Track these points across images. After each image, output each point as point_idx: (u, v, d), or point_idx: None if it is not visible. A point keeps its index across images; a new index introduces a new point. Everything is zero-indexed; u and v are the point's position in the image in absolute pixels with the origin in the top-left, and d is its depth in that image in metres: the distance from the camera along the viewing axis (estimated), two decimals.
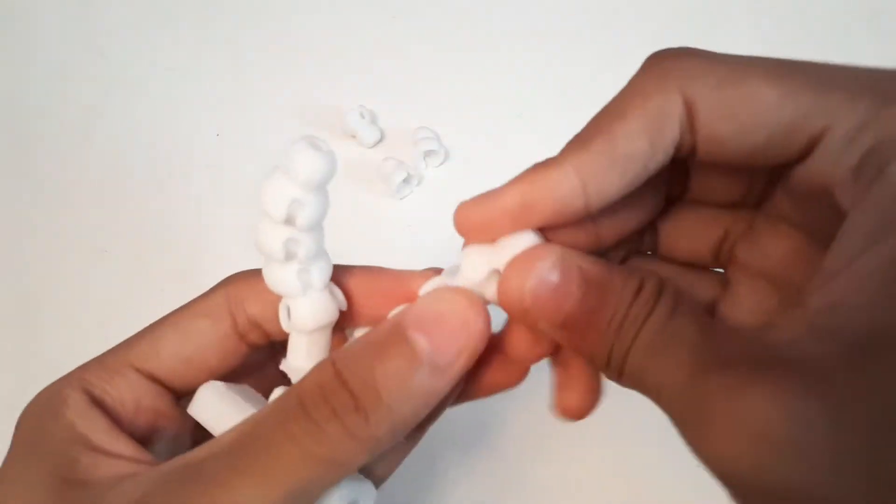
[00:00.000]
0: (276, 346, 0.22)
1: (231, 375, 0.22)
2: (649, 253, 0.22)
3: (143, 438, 0.20)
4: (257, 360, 0.23)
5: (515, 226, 0.17)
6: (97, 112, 0.44)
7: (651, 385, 0.15)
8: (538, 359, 0.20)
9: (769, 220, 0.19)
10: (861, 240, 0.14)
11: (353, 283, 0.20)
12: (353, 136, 0.41)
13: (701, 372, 0.14)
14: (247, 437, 0.16)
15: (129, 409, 0.20)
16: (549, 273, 0.16)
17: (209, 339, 0.21)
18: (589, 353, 0.16)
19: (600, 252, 0.20)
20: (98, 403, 0.20)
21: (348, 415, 0.16)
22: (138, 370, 0.20)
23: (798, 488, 0.13)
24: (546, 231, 0.18)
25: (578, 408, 0.20)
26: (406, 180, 0.39)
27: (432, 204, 0.39)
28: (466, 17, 0.46)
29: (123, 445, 0.19)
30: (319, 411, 0.16)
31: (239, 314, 0.21)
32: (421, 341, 0.16)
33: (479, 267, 0.18)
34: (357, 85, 0.44)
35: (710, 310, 0.20)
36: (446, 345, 0.17)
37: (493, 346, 0.19)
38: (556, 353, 0.20)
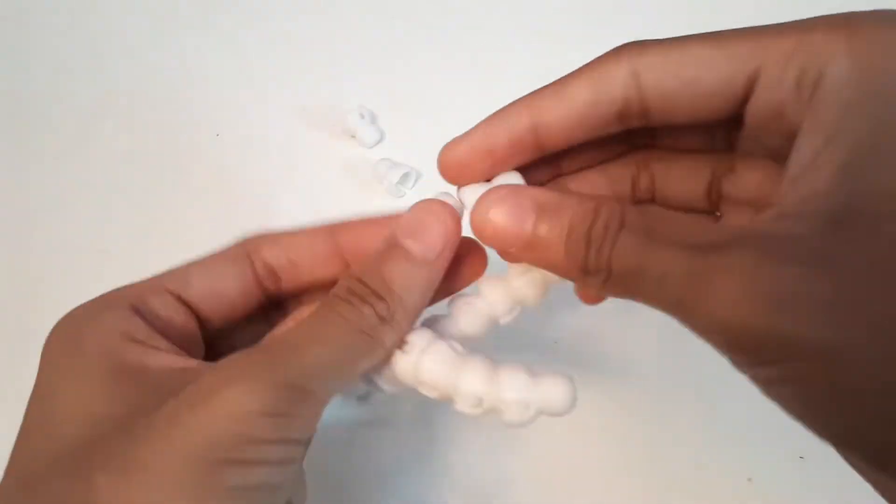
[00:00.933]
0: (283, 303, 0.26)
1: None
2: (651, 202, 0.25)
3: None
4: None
5: (483, 163, 0.22)
6: (97, 112, 0.44)
7: (651, 278, 0.18)
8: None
9: (744, 157, 0.22)
10: (814, 144, 0.17)
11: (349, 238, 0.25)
12: (353, 136, 0.41)
13: (700, 255, 0.17)
14: (304, 322, 0.20)
15: (163, 322, 0.22)
16: (504, 203, 0.20)
17: (232, 278, 0.24)
18: (561, 267, 0.20)
19: None
20: (137, 312, 0.22)
21: (375, 302, 0.21)
22: (170, 292, 0.23)
23: (803, 338, 0.15)
24: (522, 170, 0.22)
25: (595, 297, 0.26)
26: (403, 180, 0.39)
27: None
28: (466, 18, 0.46)
29: (165, 345, 0.21)
30: (354, 300, 0.21)
31: (256, 260, 0.24)
32: (413, 245, 0.21)
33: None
34: (357, 85, 0.44)
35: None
36: (432, 242, 0.21)
37: (463, 247, 0.23)
38: None
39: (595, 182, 0.24)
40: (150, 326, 0.22)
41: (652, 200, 0.25)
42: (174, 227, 0.40)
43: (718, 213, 0.24)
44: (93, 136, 0.43)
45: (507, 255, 0.22)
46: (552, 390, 0.21)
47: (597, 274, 0.19)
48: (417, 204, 0.22)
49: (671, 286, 0.17)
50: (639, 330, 0.34)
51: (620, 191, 0.24)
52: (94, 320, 0.21)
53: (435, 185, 0.23)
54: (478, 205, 0.20)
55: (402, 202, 0.39)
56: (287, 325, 0.24)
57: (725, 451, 0.32)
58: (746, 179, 0.22)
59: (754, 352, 0.16)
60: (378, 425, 0.33)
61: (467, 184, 0.23)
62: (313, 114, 0.43)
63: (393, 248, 0.21)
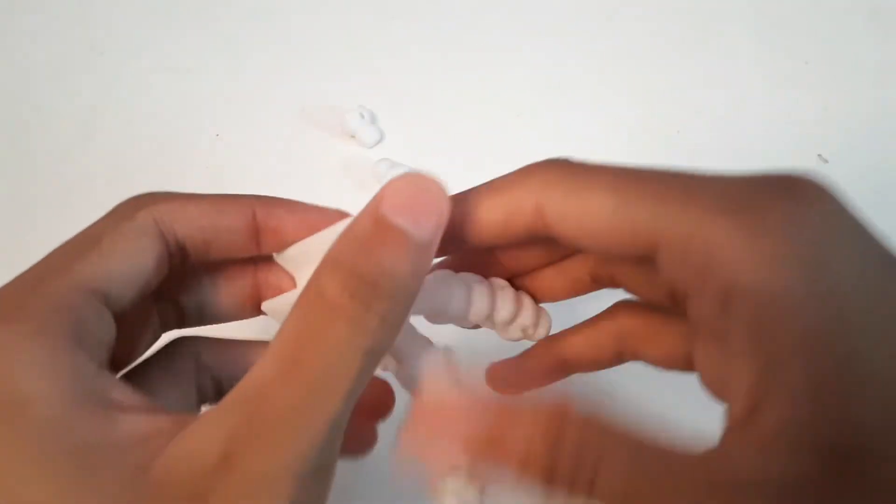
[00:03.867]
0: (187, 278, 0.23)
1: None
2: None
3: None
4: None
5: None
6: (97, 112, 0.44)
7: None
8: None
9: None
10: (757, 369, 0.15)
11: (282, 216, 0.23)
12: (353, 136, 0.41)
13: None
14: (293, 346, 0.17)
15: (102, 345, 0.18)
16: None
17: (151, 259, 0.20)
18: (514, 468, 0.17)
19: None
20: (77, 338, 0.17)
21: (377, 303, 0.17)
22: (94, 292, 0.19)
23: None
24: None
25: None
26: None
27: None
28: (467, 18, 0.46)
29: (122, 391, 0.17)
30: (356, 306, 0.17)
31: (168, 234, 0.21)
32: (407, 225, 0.17)
33: None
34: (357, 85, 0.44)
35: (688, 361, 0.21)
36: (426, 222, 0.18)
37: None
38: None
39: (553, 282, 0.23)
40: (97, 360, 0.18)
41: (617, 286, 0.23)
42: None
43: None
44: (92, 136, 0.43)
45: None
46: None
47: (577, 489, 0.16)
48: (405, 177, 0.18)
49: None
50: None
51: (581, 289, 0.23)
52: (29, 363, 0.16)
53: None
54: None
55: None
56: (273, 352, 0.17)
57: None
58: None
59: None
60: None
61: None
62: (313, 114, 0.43)
63: (385, 229, 0.17)
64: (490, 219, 0.19)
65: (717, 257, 0.16)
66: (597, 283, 0.23)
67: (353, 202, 0.42)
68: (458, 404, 0.18)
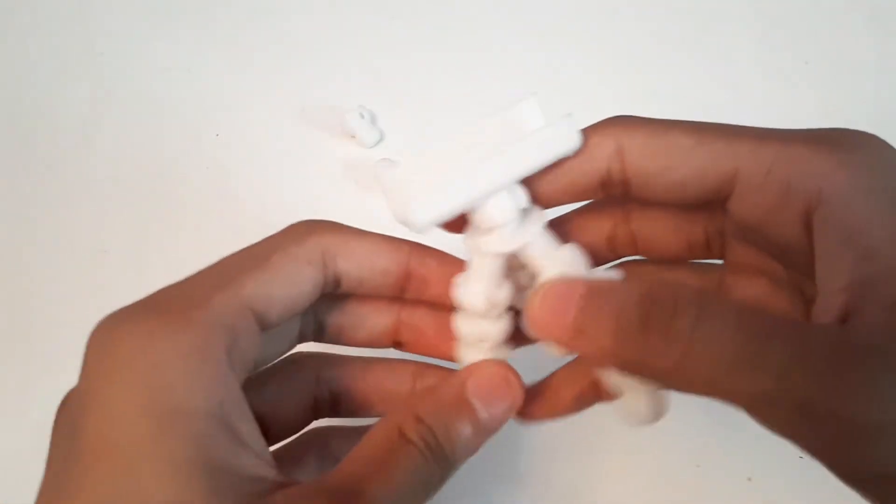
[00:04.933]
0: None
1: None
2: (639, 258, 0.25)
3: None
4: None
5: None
6: (97, 112, 0.44)
7: (744, 395, 0.17)
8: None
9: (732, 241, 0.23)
10: (844, 268, 0.17)
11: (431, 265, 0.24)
12: (353, 137, 0.41)
13: (835, 361, 0.16)
14: (377, 465, 0.19)
15: (247, 368, 0.20)
16: (548, 296, 0.19)
17: (310, 287, 0.21)
18: (608, 357, 0.19)
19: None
20: (230, 361, 0.19)
21: (440, 458, 0.20)
22: (254, 313, 0.20)
23: None
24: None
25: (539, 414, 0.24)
26: None
27: None
28: (467, 18, 0.46)
29: (254, 435, 0.19)
30: (426, 451, 0.20)
31: (329, 266, 0.22)
32: (481, 410, 0.21)
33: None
34: (357, 85, 0.44)
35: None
36: (498, 413, 0.21)
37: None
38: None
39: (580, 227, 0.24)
40: (241, 379, 0.19)
41: (634, 252, 0.24)
42: (174, 227, 0.40)
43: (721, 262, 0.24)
44: (92, 136, 0.43)
45: (560, 348, 0.21)
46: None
47: (661, 361, 0.17)
48: (490, 364, 0.22)
49: (756, 409, 0.17)
50: None
51: (598, 259, 0.24)
52: (172, 374, 0.17)
53: None
54: (528, 302, 0.20)
55: None
56: (355, 458, 0.20)
57: (725, 451, 0.32)
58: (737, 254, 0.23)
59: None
60: None
61: None
62: (313, 114, 0.43)
63: (462, 404, 0.21)
64: (570, 161, 0.21)
65: (801, 180, 0.18)
66: (613, 252, 0.24)
67: (353, 202, 0.43)
68: (612, 286, 0.19)
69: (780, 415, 0.17)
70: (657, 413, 0.21)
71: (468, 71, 0.44)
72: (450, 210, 0.20)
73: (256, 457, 0.18)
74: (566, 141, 0.20)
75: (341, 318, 0.24)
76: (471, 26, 0.45)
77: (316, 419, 0.25)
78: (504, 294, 0.22)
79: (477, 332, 0.22)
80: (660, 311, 0.17)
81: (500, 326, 0.22)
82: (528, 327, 0.20)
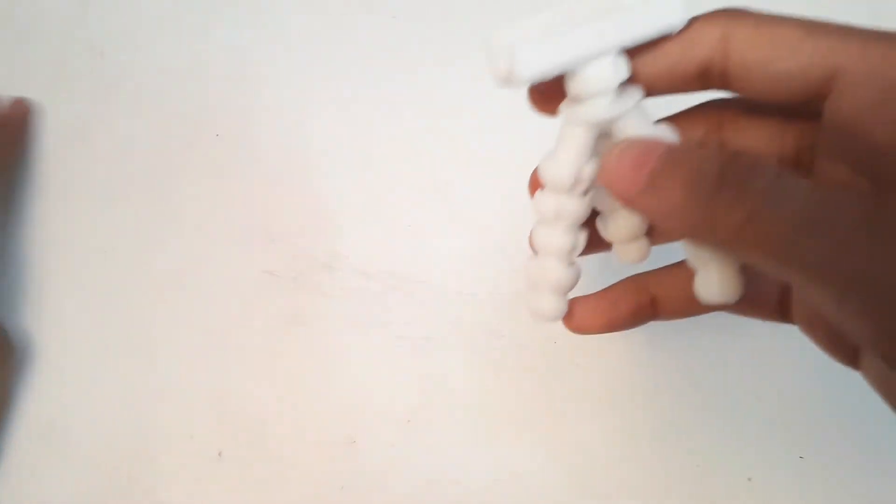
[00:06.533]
0: None
1: None
2: None
3: None
4: None
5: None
6: (97, 112, 0.44)
7: (805, 261, 0.16)
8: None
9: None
10: None
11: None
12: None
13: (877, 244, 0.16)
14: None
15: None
16: (637, 143, 0.20)
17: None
18: (677, 216, 0.19)
19: None
20: None
21: None
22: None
23: None
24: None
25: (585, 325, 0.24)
26: None
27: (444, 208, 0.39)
28: (467, 18, 0.46)
29: None
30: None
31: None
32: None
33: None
34: (357, 85, 0.44)
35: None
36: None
37: None
38: None
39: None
40: None
41: None
42: (174, 226, 0.40)
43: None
44: (92, 136, 0.43)
45: (629, 205, 0.20)
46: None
47: (730, 219, 0.17)
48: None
49: (854, 256, 0.16)
50: (639, 330, 0.34)
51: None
52: None
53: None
54: (606, 154, 0.20)
55: None
56: None
57: (725, 450, 0.32)
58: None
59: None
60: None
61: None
62: (314, 113, 0.43)
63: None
64: (671, 45, 0.20)
65: None
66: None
67: (356, 200, 0.42)
68: (693, 149, 0.19)
69: (831, 290, 0.16)
70: (729, 291, 0.21)
71: (468, 71, 0.43)
72: (553, 65, 0.20)
73: None
74: (671, 14, 0.20)
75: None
76: (470, 26, 0.45)
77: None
78: (590, 170, 0.22)
79: (556, 209, 0.22)
80: (737, 169, 0.17)
81: (579, 204, 0.22)
82: (601, 178, 0.20)
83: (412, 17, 0.46)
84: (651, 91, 0.22)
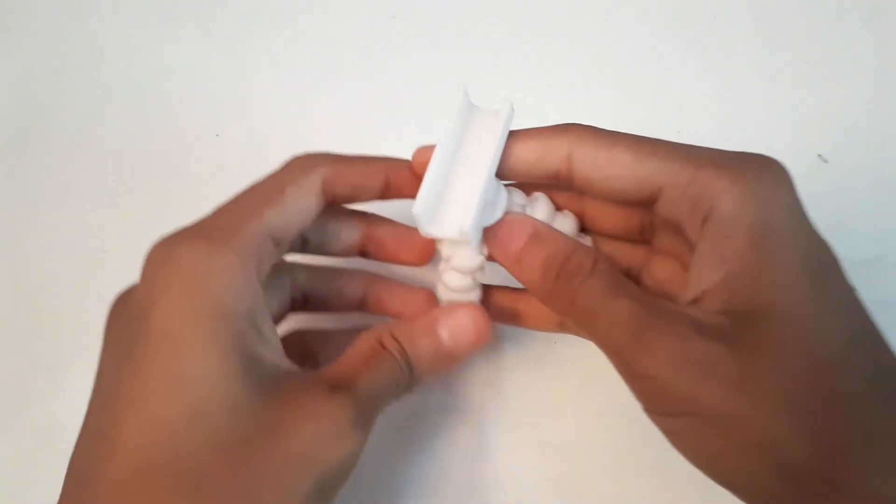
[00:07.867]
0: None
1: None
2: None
3: None
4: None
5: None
6: (97, 112, 0.44)
7: (604, 321, 0.23)
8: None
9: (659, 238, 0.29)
10: (708, 265, 0.23)
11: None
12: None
13: (647, 315, 0.23)
14: (364, 367, 0.25)
15: (264, 285, 0.25)
16: (515, 220, 0.26)
17: (314, 213, 0.27)
18: (535, 287, 0.25)
19: None
20: (258, 274, 0.24)
21: (407, 369, 0.26)
22: (273, 239, 0.25)
23: (710, 398, 0.21)
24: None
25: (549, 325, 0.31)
26: None
27: None
28: (465, 17, 0.46)
29: (271, 331, 0.25)
30: (399, 359, 0.26)
31: (328, 193, 0.27)
32: (448, 341, 0.27)
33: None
34: (357, 85, 0.44)
35: (634, 276, 0.29)
36: (464, 347, 0.27)
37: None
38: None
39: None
40: (264, 303, 0.24)
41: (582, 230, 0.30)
42: (174, 226, 0.40)
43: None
44: (92, 136, 0.43)
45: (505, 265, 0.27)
46: None
47: (560, 302, 0.24)
48: (466, 310, 0.27)
49: (618, 333, 0.23)
50: None
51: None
52: (222, 283, 0.23)
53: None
54: (492, 226, 0.26)
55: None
56: (345, 359, 0.26)
57: None
58: (659, 266, 0.28)
59: (671, 403, 0.22)
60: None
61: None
62: (313, 114, 0.43)
63: (430, 331, 0.26)
64: (527, 157, 0.26)
65: (705, 194, 0.23)
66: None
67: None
68: (553, 236, 0.26)
69: (616, 360, 0.24)
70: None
71: (468, 71, 0.43)
72: (480, 228, 0.25)
73: (273, 350, 0.24)
74: (510, 116, 0.26)
75: (324, 234, 0.30)
76: (469, 26, 0.45)
77: (291, 312, 0.31)
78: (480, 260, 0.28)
79: (459, 285, 0.28)
80: (569, 266, 0.24)
81: (475, 292, 0.29)
82: (487, 245, 0.26)
83: (412, 18, 0.46)
84: (524, 179, 0.27)
